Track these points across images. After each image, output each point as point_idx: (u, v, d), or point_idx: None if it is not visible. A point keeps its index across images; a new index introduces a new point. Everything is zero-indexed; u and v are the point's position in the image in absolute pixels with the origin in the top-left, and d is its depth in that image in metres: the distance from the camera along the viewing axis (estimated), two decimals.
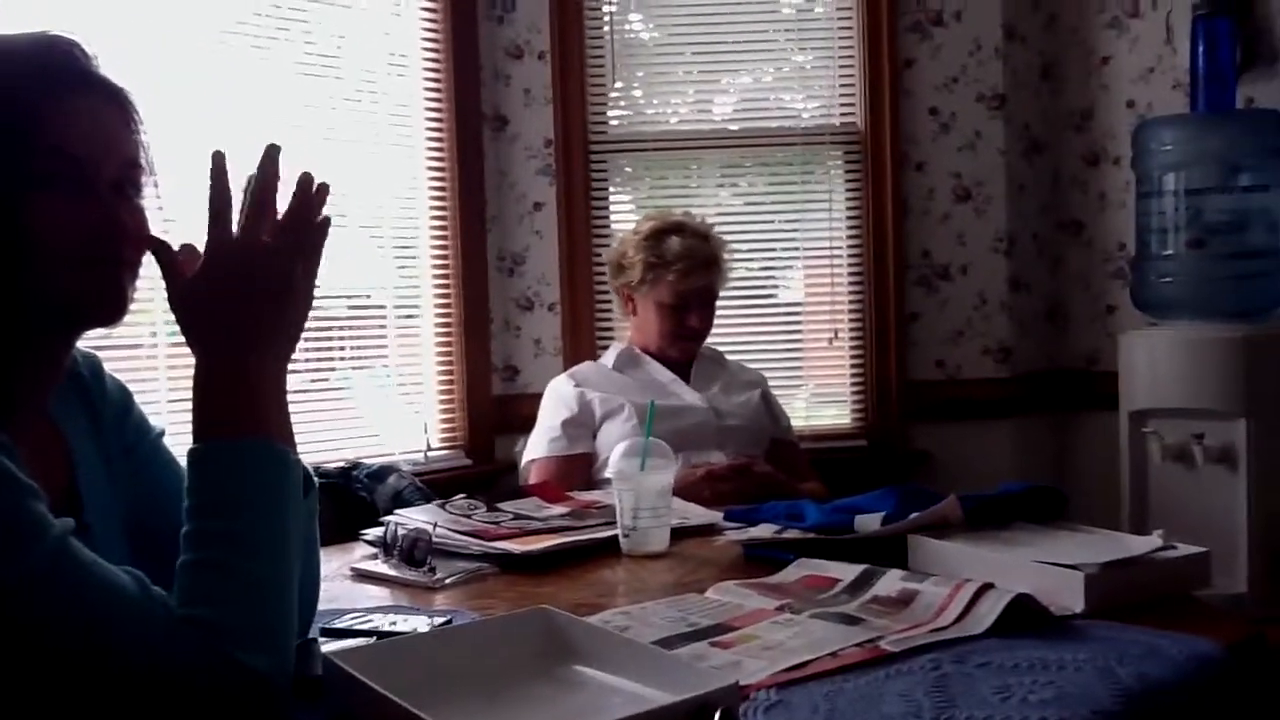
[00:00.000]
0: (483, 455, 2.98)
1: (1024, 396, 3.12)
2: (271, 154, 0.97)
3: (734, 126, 3.14)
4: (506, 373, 3.06)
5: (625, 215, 3.10)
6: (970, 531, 1.39)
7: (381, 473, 2.21)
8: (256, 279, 0.96)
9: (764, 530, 1.56)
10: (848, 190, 3.11)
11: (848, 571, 1.29)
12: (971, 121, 3.08)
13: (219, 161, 0.96)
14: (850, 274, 3.12)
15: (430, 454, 2.89)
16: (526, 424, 2.55)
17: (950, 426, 3.08)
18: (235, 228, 0.96)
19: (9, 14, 1.95)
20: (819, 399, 3.18)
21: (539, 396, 2.52)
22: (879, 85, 3.06)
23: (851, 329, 3.12)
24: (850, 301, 3.12)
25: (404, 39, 2.94)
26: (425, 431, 2.90)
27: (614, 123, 3.10)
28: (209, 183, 0.96)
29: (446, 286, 2.99)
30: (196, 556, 0.90)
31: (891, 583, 1.23)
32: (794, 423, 2.69)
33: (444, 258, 2.99)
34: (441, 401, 2.98)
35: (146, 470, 1.15)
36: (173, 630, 0.86)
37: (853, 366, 3.13)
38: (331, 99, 2.78)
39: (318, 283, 1.01)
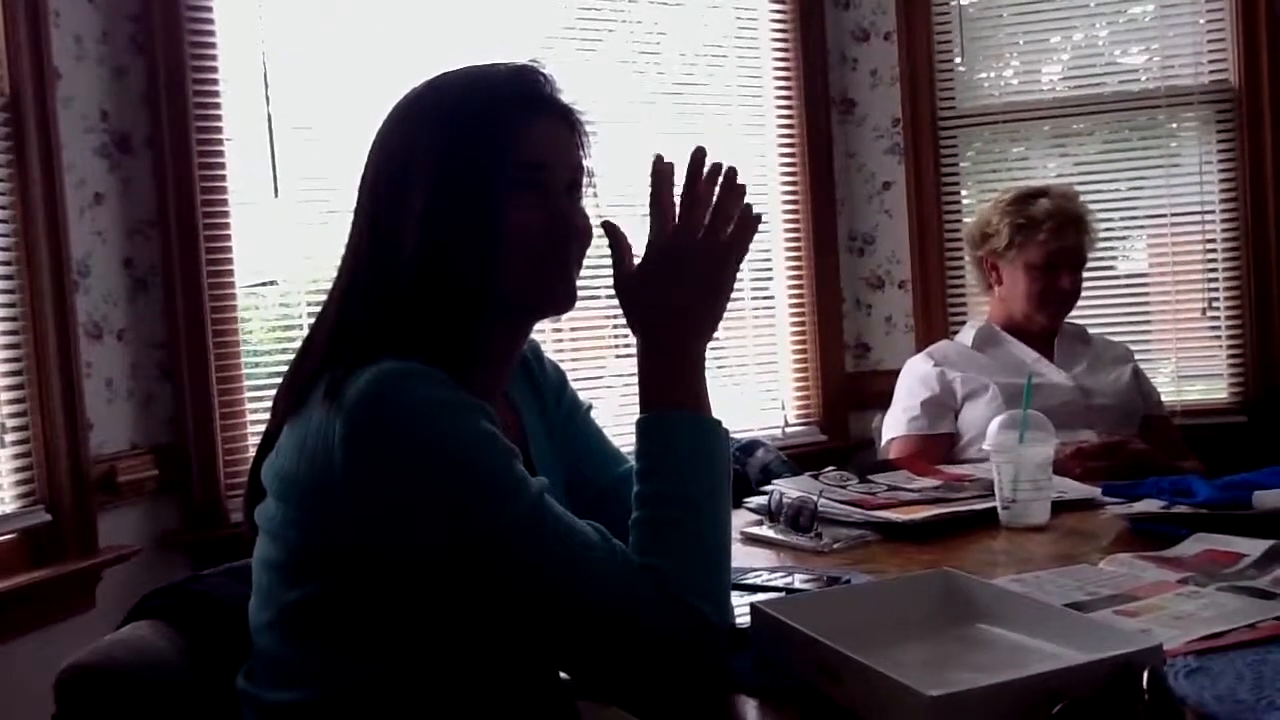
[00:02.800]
0: (837, 431, 3.05)
1: None
2: (698, 156, 1.08)
3: (1088, 91, 3.03)
4: (858, 350, 3.12)
5: (980, 190, 3.06)
6: None
7: (750, 446, 2.32)
8: (696, 272, 1.07)
9: (1150, 505, 1.54)
10: (1220, 152, 2.93)
11: (1253, 547, 1.26)
12: None
13: (660, 162, 1.08)
14: (1225, 241, 2.94)
15: (787, 429, 3.00)
16: (879, 400, 2.58)
17: None
18: (673, 223, 1.07)
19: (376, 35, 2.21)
20: (1185, 373, 3.02)
21: (891, 373, 2.54)
22: (1256, 38, 2.88)
23: (1227, 299, 2.94)
24: (1225, 269, 2.94)
25: (754, 29, 3.06)
26: (782, 408, 3.01)
27: (961, 98, 3.07)
28: (650, 180, 1.08)
29: (799, 266, 3.08)
30: (649, 514, 1.02)
31: None
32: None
33: (796, 238, 3.08)
34: (796, 378, 3.08)
35: (576, 441, 1.29)
36: (633, 576, 0.98)
37: (1230, 338, 2.95)
38: (684, 88, 2.95)
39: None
